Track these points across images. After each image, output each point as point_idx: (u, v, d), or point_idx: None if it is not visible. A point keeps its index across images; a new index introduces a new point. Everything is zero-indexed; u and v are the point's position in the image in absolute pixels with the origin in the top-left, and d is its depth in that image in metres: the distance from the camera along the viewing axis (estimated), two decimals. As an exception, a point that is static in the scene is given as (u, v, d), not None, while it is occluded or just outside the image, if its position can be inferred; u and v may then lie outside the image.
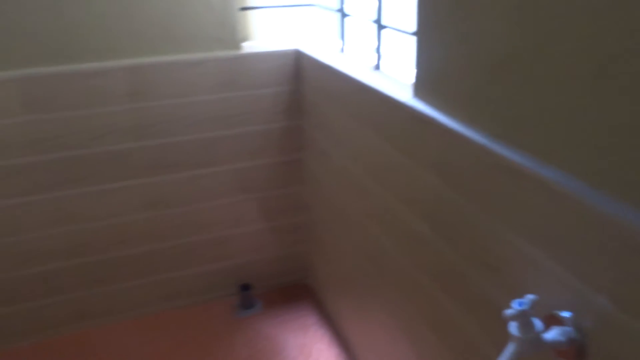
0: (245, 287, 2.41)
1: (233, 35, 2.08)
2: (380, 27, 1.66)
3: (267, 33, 2.22)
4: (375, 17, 1.67)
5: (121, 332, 2.32)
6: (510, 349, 0.87)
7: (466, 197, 1.17)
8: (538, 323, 0.87)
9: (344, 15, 1.98)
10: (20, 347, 2.22)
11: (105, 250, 2.22)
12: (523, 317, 0.86)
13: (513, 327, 0.87)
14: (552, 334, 0.87)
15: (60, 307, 2.25)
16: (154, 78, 2.01)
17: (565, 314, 0.88)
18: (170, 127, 2.11)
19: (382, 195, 1.62)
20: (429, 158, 1.30)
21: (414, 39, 1.34)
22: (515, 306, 0.86)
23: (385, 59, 1.72)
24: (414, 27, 1.33)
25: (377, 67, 1.72)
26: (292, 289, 2.57)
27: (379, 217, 1.67)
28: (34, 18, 1.82)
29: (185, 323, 2.36)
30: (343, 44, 2.03)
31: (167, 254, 2.32)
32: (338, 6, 2.00)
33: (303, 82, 2.20)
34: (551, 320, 0.89)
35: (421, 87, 1.34)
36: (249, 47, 2.15)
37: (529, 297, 0.88)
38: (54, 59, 1.89)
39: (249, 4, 2.17)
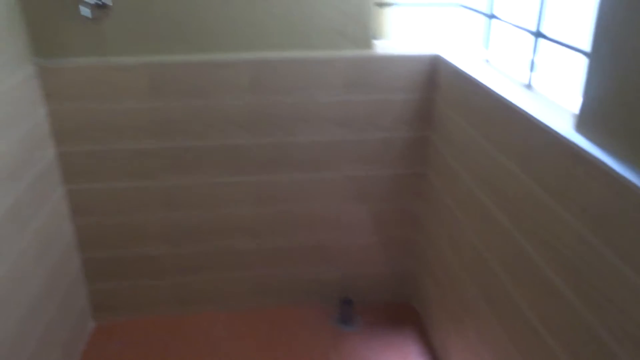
0: (347, 302, 2.28)
1: (365, 33, 1.93)
2: (539, 37, 1.41)
3: (403, 32, 2.03)
4: (532, 25, 1.42)
5: (214, 322, 2.30)
6: None
7: (625, 260, 0.92)
8: None
9: (493, 19, 1.74)
10: (116, 321, 2.29)
11: (209, 240, 2.19)
12: None
13: None
14: None
15: (160, 289, 2.27)
16: (277, 73, 1.92)
17: None
18: (289, 125, 2.01)
19: (511, 232, 1.39)
20: (584, 206, 1.06)
21: (584, 58, 1.10)
22: None
23: (541, 76, 1.46)
24: (585, 43, 1.08)
25: (529, 85, 1.47)
26: (396, 309, 2.39)
27: (504, 255, 1.44)
28: (169, 6, 1.80)
29: (278, 324, 2.29)
30: (489, 53, 1.79)
31: (269, 251, 2.25)
32: (487, 9, 1.76)
33: (437, 91, 1.99)
34: None
35: (587, 120, 1.09)
36: (382, 47, 1.98)
37: None
38: (182, 47, 1.87)
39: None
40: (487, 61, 1.77)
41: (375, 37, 1.98)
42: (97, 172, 2.01)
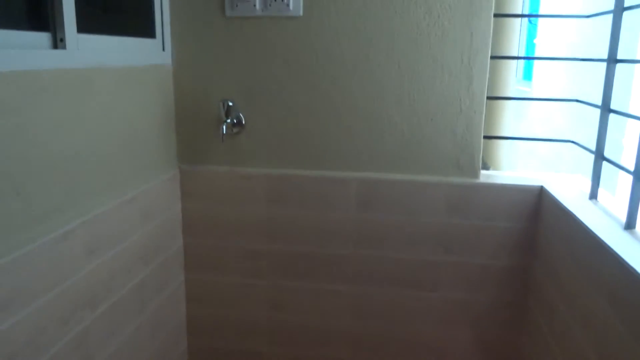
0: None
1: (472, 162, 2.02)
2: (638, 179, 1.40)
3: (511, 163, 2.08)
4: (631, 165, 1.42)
5: None
6: None
7: None
8: None
9: (602, 158, 1.74)
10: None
11: (309, 346, 2.27)
12: None
13: None
14: None
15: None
16: (384, 192, 2.06)
17: None
18: (390, 242, 2.10)
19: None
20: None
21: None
22: None
23: (642, 217, 1.43)
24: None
25: (631, 225, 1.44)
26: None
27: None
28: (293, 128, 2.07)
29: None
30: (598, 190, 1.77)
31: (363, 366, 2.26)
32: (598, 148, 1.77)
33: (540, 222, 1.97)
34: None
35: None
36: (488, 176, 2.05)
37: None
38: (300, 162, 2.10)
39: (495, 132, 2.09)
40: (593, 196, 1.75)
41: (482, 167, 2.06)
42: (215, 266, 2.24)
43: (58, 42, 1.42)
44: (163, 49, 2.02)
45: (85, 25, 1.53)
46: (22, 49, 1.30)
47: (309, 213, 2.13)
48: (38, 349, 1.34)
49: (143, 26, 1.94)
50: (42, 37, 1.39)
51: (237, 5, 1.98)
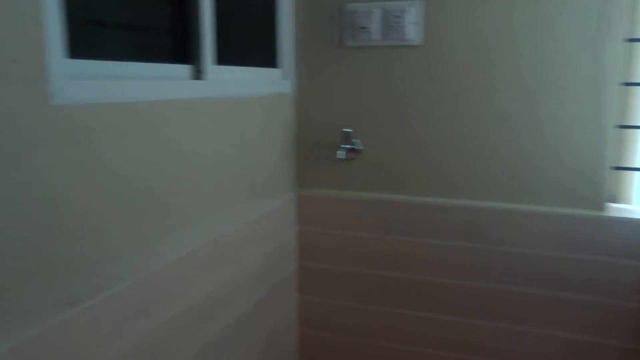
0: None
1: (598, 194, 1.89)
2: None
3: (647, 197, 1.92)
4: None
5: None
6: None
7: None
8: None
9: None
10: None
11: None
12: None
13: None
14: None
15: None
16: (492, 222, 1.98)
17: None
18: (499, 274, 2.01)
19: None
20: None
21: None
22: None
23: None
24: None
25: None
26: None
27: None
28: (408, 156, 2.07)
29: None
30: None
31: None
32: None
33: (684, 262, 1.79)
34: None
35: None
36: (614, 209, 1.90)
37: None
38: (411, 189, 2.09)
39: (626, 163, 1.94)
40: None
41: (610, 200, 1.92)
42: (327, 289, 2.28)
43: (198, 74, 1.55)
44: (285, 78, 2.12)
45: (219, 57, 1.65)
46: (167, 80, 1.43)
47: (419, 240, 2.10)
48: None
49: (267, 57, 2.06)
50: (184, 69, 1.52)
51: (356, 35, 2.03)
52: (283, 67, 2.11)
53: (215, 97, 1.60)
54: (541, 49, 1.87)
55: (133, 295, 1.27)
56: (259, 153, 1.92)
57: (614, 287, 1.90)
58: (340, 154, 2.03)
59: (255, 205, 1.91)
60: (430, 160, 2.06)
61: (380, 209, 2.14)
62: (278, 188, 2.10)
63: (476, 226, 2.02)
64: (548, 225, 1.93)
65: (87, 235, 1.14)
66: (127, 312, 1.26)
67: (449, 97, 2.00)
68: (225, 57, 1.69)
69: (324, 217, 2.23)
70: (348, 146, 2.11)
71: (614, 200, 1.95)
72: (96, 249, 1.17)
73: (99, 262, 1.18)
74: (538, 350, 2.03)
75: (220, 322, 1.71)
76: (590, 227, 1.89)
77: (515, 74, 1.91)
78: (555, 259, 1.94)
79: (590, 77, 1.83)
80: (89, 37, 1.19)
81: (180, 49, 1.53)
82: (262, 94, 1.91)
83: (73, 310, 1.10)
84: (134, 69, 1.30)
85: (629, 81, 1.89)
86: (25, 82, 0.96)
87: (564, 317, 1.97)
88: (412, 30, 1.97)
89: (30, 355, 0.99)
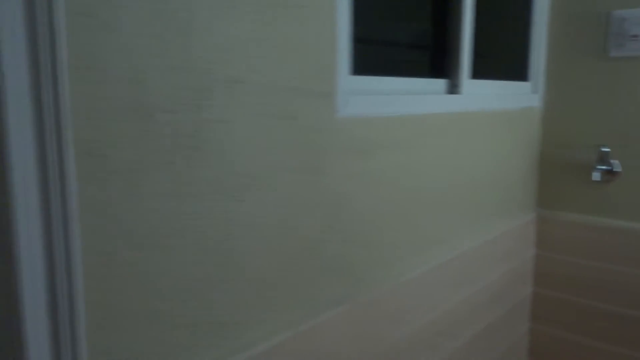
0: None
1: None
2: None
3: None
4: None
5: None
6: None
7: None
8: None
9: None
10: None
11: None
12: None
13: None
14: None
15: None
16: None
17: None
18: None
19: None
20: None
21: None
22: None
23: None
24: None
25: None
26: None
27: None
28: None
29: None
30: None
31: None
32: None
33: None
34: None
35: None
36: None
37: None
38: None
39: None
40: None
41: None
42: (562, 321, 2.08)
43: (453, 88, 1.54)
44: (534, 92, 2.00)
45: (473, 71, 1.62)
46: (425, 94, 1.45)
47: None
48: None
49: (518, 70, 1.96)
50: (441, 84, 1.52)
51: (624, 45, 1.82)
52: (533, 80, 1.99)
53: (469, 111, 1.57)
54: None
55: (386, 302, 1.31)
56: (505, 169, 1.84)
57: None
58: (596, 175, 1.83)
59: (496, 222, 1.84)
60: None
61: (637, 241, 1.88)
62: (518, 206, 1.98)
63: None
64: None
65: (358, 242, 1.21)
66: (378, 318, 1.30)
67: None
68: (478, 70, 1.65)
69: (565, 242, 2.04)
70: (604, 167, 1.90)
71: None
72: (364, 255, 1.23)
73: (364, 267, 1.24)
74: None
75: (457, 341, 1.68)
76: None
77: None
78: None
79: None
80: (363, 54, 1.27)
81: (438, 63, 1.55)
82: (510, 108, 1.83)
83: (337, 309, 1.17)
84: (398, 84, 1.35)
85: None
86: (319, 97, 1.06)
87: None
88: (699, 36, 1.70)
89: (302, 344, 1.09)
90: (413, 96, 1.33)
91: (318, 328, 1.12)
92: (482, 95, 1.65)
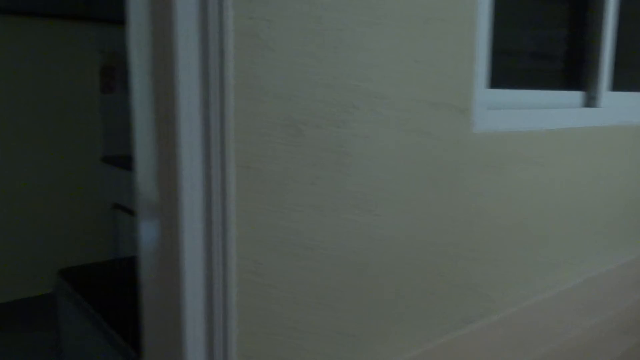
0: None
1: None
2: None
3: None
4: None
5: None
6: None
7: None
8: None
9: None
10: None
11: None
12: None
13: None
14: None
15: None
16: None
17: None
18: None
19: None
20: None
21: None
22: None
23: None
24: None
25: None
26: None
27: None
28: None
29: None
30: None
31: None
32: None
33: None
34: None
35: None
36: None
37: None
38: None
39: None
40: None
41: None
42: None
43: (590, 101, 1.45)
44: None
45: (612, 82, 1.51)
46: (558, 107, 1.37)
47: None
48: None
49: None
50: (576, 96, 1.44)
51: None
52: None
53: (608, 125, 1.47)
54: None
55: (514, 325, 1.26)
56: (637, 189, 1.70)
57: None
58: None
59: (631, 246, 1.70)
60: None
61: None
62: (619, 244, 1.82)
63: None
64: None
65: (487, 259, 1.17)
66: (506, 340, 1.25)
67: None
68: (618, 82, 1.54)
69: None
70: None
71: None
72: (493, 273, 1.19)
73: (493, 287, 1.20)
74: None
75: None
76: None
77: None
78: None
79: None
80: (495, 65, 1.22)
81: (573, 74, 1.46)
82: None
83: (467, 329, 1.14)
84: (533, 97, 1.29)
85: None
86: (456, 111, 1.04)
87: None
88: None
89: (430, 364, 1.07)
90: (549, 110, 1.26)
91: (447, 347, 1.09)
92: (623, 109, 1.54)
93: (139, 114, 0.75)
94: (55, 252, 2.24)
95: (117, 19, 2.33)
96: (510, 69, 1.29)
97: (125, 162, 2.14)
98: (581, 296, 1.50)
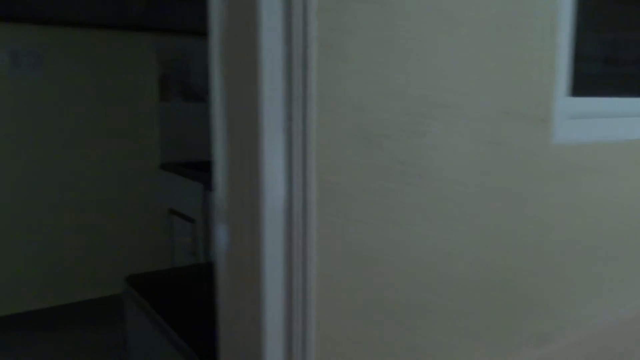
0: None
1: None
2: None
3: None
4: None
5: None
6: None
7: None
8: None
9: None
10: None
11: None
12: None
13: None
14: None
15: None
16: None
17: None
18: None
19: None
20: None
21: None
22: None
23: None
24: None
25: None
26: None
27: None
28: None
29: None
30: None
31: None
32: None
33: None
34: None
35: None
36: None
37: None
38: None
39: None
40: None
41: None
42: None
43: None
44: None
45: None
46: (636, 116, 1.30)
47: None
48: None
49: None
50: (656, 104, 1.36)
51: None
52: None
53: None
54: None
55: (592, 344, 1.20)
56: None
57: None
58: None
59: None
60: None
61: None
62: None
63: None
64: None
65: (560, 275, 1.12)
66: (583, 361, 1.19)
67: None
68: None
69: None
70: None
71: None
72: (565, 290, 1.14)
73: (565, 304, 1.14)
74: None
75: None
76: None
77: None
78: None
79: None
80: (578, 73, 1.17)
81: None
82: None
83: (539, 350, 1.09)
84: (617, 106, 1.23)
85: None
86: (534, 121, 0.99)
87: None
88: None
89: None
90: (632, 118, 1.20)
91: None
92: None
93: (219, 125, 0.75)
94: (115, 255, 2.30)
95: (174, 28, 2.37)
96: (590, 75, 1.24)
97: (180, 169, 2.17)
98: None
